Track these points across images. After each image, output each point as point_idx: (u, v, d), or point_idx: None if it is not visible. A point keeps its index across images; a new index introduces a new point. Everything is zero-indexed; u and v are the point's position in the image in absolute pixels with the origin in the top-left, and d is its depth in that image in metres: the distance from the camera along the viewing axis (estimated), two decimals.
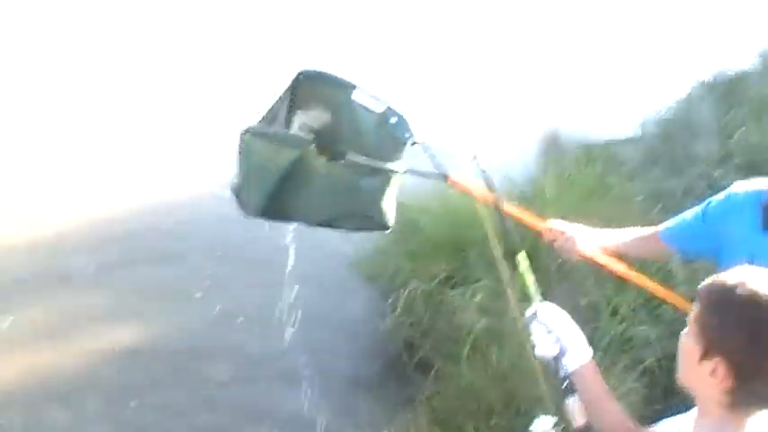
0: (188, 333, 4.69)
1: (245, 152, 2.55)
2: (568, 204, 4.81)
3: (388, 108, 2.68)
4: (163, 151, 6.99)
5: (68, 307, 4.84)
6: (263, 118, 2.63)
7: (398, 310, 4.36)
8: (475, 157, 2.52)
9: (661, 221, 4.83)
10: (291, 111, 2.69)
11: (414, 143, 2.63)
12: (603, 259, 2.69)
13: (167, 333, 4.74)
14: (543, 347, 2.05)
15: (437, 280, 4.54)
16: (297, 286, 4.47)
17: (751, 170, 5.16)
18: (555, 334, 2.05)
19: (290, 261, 4.08)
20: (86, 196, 6.19)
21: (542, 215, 4.60)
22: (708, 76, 8.16)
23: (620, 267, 2.72)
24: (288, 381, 4.26)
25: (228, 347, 4.52)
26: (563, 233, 2.58)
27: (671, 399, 3.27)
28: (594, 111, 6.74)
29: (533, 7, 11.64)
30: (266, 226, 2.84)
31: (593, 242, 2.68)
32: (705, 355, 1.65)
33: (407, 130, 2.66)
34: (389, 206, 2.65)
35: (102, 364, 4.37)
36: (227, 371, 4.32)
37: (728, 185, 2.64)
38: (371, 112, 2.65)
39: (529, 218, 2.75)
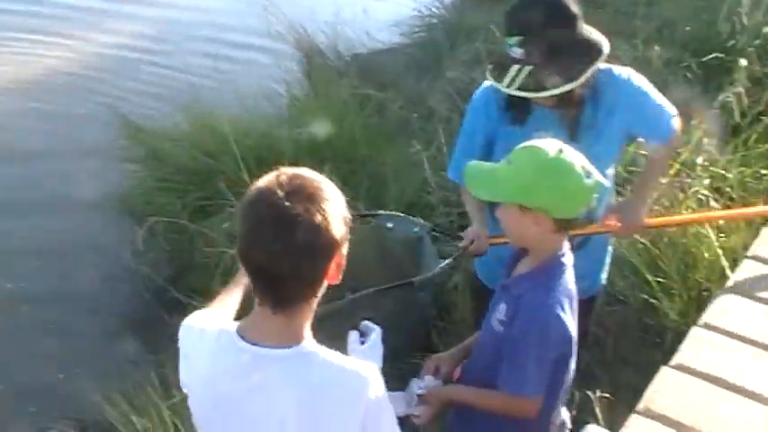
0: None
1: None
2: (327, 118, 4.92)
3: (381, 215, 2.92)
4: None
5: None
6: None
7: (143, 245, 4.32)
8: None
9: (419, 128, 5.09)
10: None
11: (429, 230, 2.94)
12: None
13: None
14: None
15: (189, 211, 4.53)
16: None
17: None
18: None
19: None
20: None
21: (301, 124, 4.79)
22: None
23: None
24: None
25: None
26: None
27: None
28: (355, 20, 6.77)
29: None
30: None
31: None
32: None
33: (415, 224, 2.89)
34: None
35: None
36: None
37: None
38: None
39: None
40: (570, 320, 2.21)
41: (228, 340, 1.79)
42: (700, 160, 4.42)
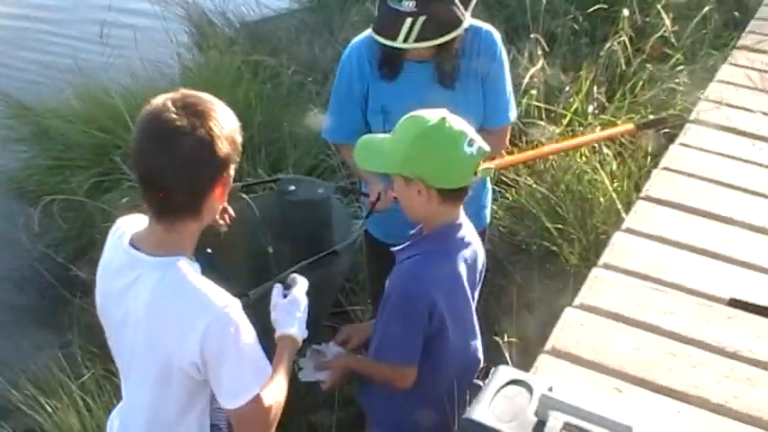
0: None
1: None
2: (220, 86, 4.85)
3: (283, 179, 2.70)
4: None
5: None
6: None
7: (39, 227, 4.21)
8: None
9: (315, 92, 5.07)
10: None
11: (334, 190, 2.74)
12: None
13: None
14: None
15: (85, 188, 4.43)
16: None
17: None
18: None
19: None
20: None
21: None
22: None
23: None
24: None
25: None
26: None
27: None
28: None
29: None
30: None
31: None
32: None
33: (318, 186, 2.70)
34: None
35: None
36: None
37: None
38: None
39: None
40: (442, 296, 2.20)
41: (121, 242, 1.91)
42: (591, 108, 4.57)
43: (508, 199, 4.26)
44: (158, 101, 1.82)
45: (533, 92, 4.54)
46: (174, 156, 1.77)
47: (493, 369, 2.29)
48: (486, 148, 2.20)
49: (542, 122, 4.39)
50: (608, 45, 4.78)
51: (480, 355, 2.45)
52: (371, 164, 2.33)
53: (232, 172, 1.87)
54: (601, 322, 2.83)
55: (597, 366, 2.66)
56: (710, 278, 3.04)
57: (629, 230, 3.29)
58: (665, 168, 3.66)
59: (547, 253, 4.01)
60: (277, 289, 2.11)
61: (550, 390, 2.16)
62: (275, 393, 1.93)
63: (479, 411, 2.11)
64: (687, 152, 3.76)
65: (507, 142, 3.08)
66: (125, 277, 1.89)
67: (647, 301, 2.92)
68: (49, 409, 3.22)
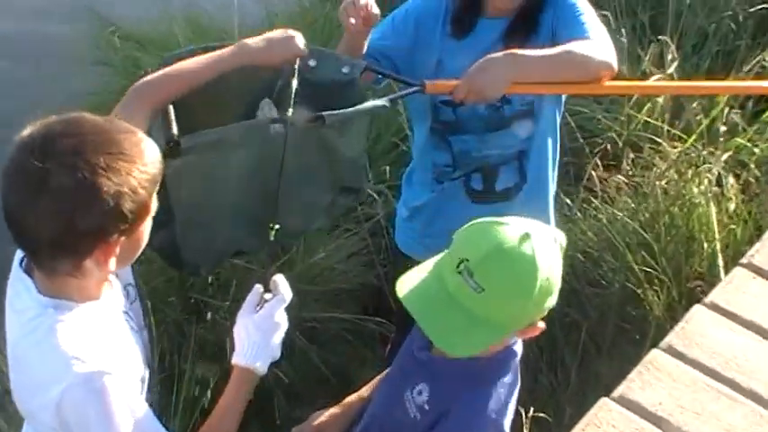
0: None
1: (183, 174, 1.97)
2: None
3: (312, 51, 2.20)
4: None
5: None
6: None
7: None
8: None
9: None
10: None
11: (363, 69, 2.27)
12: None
13: None
14: None
15: None
16: None
17: None
18: None
19: None
20: None
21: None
22: None
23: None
24: None
25: None
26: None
27: None
28: None
29: None
30: None
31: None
32: None
33: (344, 63, 2.26)
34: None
35: None
36: None
37: None
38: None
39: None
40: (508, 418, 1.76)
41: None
42: (722, 129, 3.87)
43: (601, 221, 3.69)
44: (27, 134, 1.49)
45: (660, 101, 3.91)
46: (29, 209, 1.46)
47: None
48: (563, 241, 1.72)
49: (659, 139, 3.77)
50: (759, 52, 4.03)
51: None
52: (475, 344, 1.64)
53: (123, 236, 1.52)
54: (633, 425, 2.30)
55: None
56: None
57: (713, 306, 2.69)
58: None
59: (631, 294, 3.45)
60: (254, 294, 1.76)
61: None
62: None
63: None
64: None
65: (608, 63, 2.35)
66: (11, 289, 1.64)
67: (699, 402, 2.36)
68: None
